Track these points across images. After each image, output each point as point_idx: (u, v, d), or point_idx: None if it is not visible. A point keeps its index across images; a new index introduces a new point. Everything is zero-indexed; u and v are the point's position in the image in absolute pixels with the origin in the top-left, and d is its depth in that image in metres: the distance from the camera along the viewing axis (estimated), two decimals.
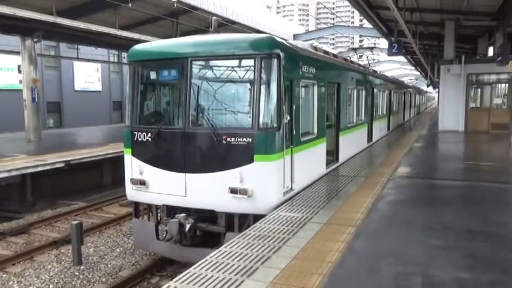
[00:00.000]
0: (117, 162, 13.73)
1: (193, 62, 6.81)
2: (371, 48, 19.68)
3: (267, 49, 6.44)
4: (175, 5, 16.83)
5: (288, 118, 6.76)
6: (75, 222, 7.97)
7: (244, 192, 6.33)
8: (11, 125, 22.65)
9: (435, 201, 6.98)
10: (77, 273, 7.63)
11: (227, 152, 6.45)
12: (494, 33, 18.31)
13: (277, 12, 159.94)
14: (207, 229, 6.90)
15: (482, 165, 10.67)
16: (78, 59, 24.59)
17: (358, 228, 5.46)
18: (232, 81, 6.99)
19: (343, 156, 10.46)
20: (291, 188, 7.05)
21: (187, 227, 6.61)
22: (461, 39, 20.87)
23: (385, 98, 17.97)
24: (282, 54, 6.50)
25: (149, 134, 7.07)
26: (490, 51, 21.37)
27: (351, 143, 11.51)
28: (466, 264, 4.35)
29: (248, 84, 6.70)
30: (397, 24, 14.05)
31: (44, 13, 14.49)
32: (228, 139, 6.41)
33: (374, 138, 15.15)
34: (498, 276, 4.07)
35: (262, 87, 6.39)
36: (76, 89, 31.44)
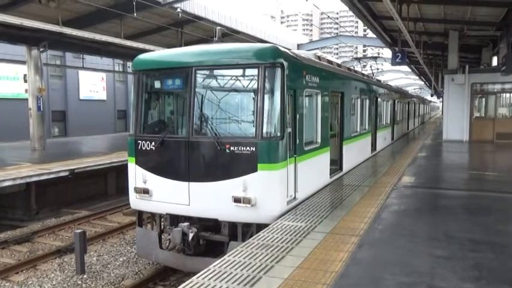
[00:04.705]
0: (121, 171, 13.77)
1: (198, 71, 6.84)
2: (375, 58, 19.80)
3: (271, 58, 6.46)
4: (180, 15, 17.00)
5: (289, 130, 6.76)
6: (78, 230, 7.99)
7: (247, 201, 6.32)
8: (16, 134, 22.78)
9: (439, 211, 6.94)
10: (79, 282, 7.61)
11: (231, 161, 6.46)
12: (498, 43, 18.34)
13: (281, 22, 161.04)
14: (210, 238, 6.87)
15: (487, 175, 10.61)
16: (83, 68, 24.79)
17: (362, 238, 5.43)
18: (236, 90, 7.02)
19: (347, 165, 10.43)
20: (295, 197, 7.03)
21: (191, 236, 6.59)
22: (465, 49, 20.90)
23: (389, 107, 17.96)
24: (285, 64, 6.52)
25: (153, 143, 7.08)
26: (494, 61, 21.38)
27: (355, 153, 11.49)
28: (472, 275, 4.30)
29: (252, 93, 6.72)
30: (401, 34, 14.09)
31: (50, 23, 14.67)
32: (232, 148, 6.42)
33: (378, 148, 15.11)
34: (505, 287, 4.02)
35: (266, 96, 6.41)
36: (81, 98, 31.64)
